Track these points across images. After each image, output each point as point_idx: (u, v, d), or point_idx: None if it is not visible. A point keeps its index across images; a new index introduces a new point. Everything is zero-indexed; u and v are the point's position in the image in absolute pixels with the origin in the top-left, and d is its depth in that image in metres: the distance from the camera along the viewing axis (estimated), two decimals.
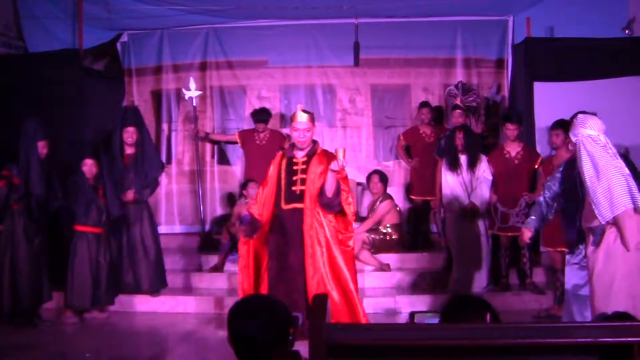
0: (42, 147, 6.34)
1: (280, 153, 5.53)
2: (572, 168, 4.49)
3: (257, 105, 8.47)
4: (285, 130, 8.19)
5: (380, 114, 8.67)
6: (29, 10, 8.33)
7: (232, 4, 8.00)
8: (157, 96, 8.79)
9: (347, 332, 2.30)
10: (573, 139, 4.24)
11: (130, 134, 6.98)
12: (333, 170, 5.06)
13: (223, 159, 8.75)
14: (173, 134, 8.73)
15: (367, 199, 8.16)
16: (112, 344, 5.84)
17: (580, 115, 4.39)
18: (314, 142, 5.39)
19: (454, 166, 6.89)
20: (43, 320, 6.40)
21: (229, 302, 6.26)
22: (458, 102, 7.65)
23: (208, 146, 8.68)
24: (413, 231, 8.12)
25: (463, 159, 6.88)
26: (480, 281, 6.79)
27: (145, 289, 6.94)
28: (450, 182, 6.91)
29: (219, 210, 8.61)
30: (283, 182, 5.31)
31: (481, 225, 6.82)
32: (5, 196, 6.25)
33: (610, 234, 4.20)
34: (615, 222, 4.09)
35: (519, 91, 7.99)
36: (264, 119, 8.08)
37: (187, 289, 7.37)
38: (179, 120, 8.72)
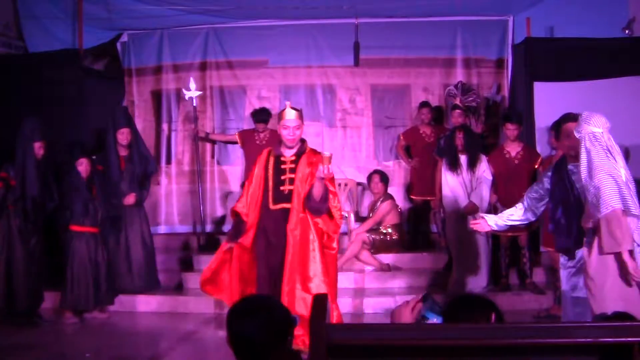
0: (38, 148, 6.34)
1: (266, 150, 5.28)
2: (559, 170, 4.47)
3: (257, 105, 8.47)
4: None
5: (380, 114, 8.67)
6: (29, 10, 8.34)
7: (232, 4, 8.01)
8: (157, 96, 8.79)
9: (347, 332, 2.30)
10: (577, 135, 4.21)
11: (125, 136, 7.00)
12: (320, 178, 4.85)
13: (223, 159, 8.75)
14: (173, 134, 8.73)
15: (367, 199, 8.16)
16: (112, 344, 5.85)
17: (586, 113, 4.36)
18: (302, 141, 5.15)
19: (454, 166, 6.89)
20: (44, 320, 6.40)
21: None
22: (458, 102, 7.65)
23: (208, 146, 8.68)
24: (413, 231, 8.13)
25: (463, 159, 6.89)
26: (480, 281, 6.79)
27: (137, 289, 6.99)
28: (450, 182, 6.91)
29: (219, 210, 8.61)
30: (271, 182, 5.07)
31: None
32: (2, 197, 6.24)
33: None
34: (600, 223, 4.02)
35: (519, 91, 7.99)
36: (264, 119, 8.08)
37: (187, 289, 7.35)
38: (179, 120, 8.72)
